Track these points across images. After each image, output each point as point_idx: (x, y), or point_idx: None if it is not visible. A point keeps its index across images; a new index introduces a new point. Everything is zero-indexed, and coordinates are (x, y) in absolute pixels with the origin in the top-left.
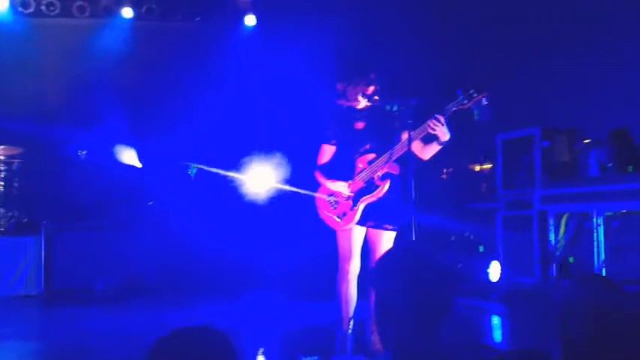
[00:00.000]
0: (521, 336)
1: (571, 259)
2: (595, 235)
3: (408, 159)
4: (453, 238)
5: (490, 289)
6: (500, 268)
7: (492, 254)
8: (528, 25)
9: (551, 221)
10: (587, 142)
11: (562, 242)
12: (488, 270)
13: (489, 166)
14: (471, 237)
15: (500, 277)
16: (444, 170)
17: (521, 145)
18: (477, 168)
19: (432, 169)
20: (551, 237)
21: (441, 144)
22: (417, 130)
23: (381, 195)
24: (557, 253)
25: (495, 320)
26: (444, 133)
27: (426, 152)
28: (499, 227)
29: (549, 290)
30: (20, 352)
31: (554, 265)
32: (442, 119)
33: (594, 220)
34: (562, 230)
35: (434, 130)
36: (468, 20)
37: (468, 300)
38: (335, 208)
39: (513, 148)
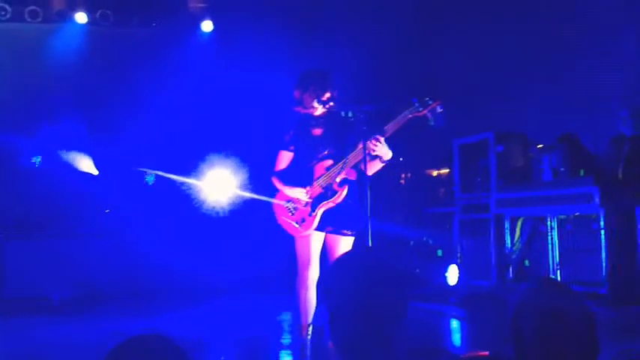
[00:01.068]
0: (479, 339)
1: (527, 262)
2: (549, 237)
3: (364, 165)
4: (411, 242)
5: (448, 292)
6: (458, 271)
7: (450, 258)
8: (484, 32)
9: (507, 225)
10: (540, 147)
11: (518, 245)
12: (447, 274)
13: (447, 170)
14: (430, 241)
15: (458, 281)
16: (402, 175)
17: (477, 149)
18: (435, 173)
19: (390, 174)
20: (507, 240)
21: (383, 162)
22: (354, 153)
23: (339, 200)
24: (514, 256)
25: (454, 324)
26: (385, 152)
27: (370, 168)
28: (456, 231)
29: (506, 293)
30: None
31: (510, 268)
32: (381, 139)
33: (548, 223)
34: (517, 233)
35: (374, 150)
36: (424, 27)
37: (426, 304)
38: (293, 214)
39: (469, 152)
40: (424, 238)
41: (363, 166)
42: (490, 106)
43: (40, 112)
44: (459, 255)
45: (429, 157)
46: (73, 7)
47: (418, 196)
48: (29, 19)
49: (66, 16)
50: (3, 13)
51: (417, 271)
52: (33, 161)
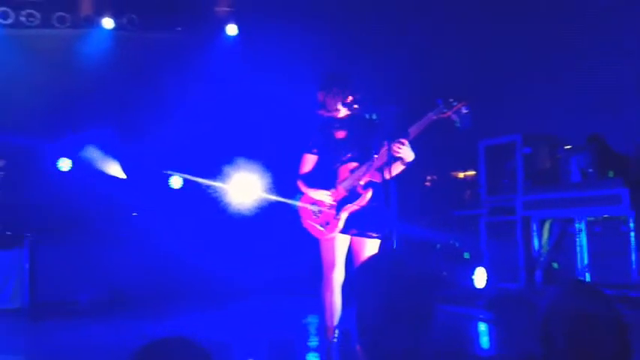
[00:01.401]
0: (507, 342)
1: (555, 265)
2: (578, 240)
3: (389, 168)
4: (438, 245)
5: (476, 295)
6: (485, 274)
7: (477, 261)
8: (510, 34)
9: (535, 227)
10: (567, 149)
11: (546, 247)
12: (474, 276)
13: (473, 173)
14: (456, 244)
15: (485, 284)
16: (428, 178)
17: (503, 151)
18: (461, 175)
19: (415, 176)
20: (535, 242)
21: (404, 164)
22: (380, 155)
23: (364, 203)
24: (542, 259)
25: (481, 327)
26: (407, 155)
27: (391, 171)
28: (483, 233)
29: (534, 296)
30: None
31: (538, 271)
32: (405, 142)
33: (576, 225)
34: (545, 236)
35: (398, 153)
36: (450, 29)
37: (453, 307)
38: (318, 217)
39: (496, 154)
40: (451, 241)
41: (387, 169)
42: (516, 107)
43: (68, 117)
44: (485, 257)
45: (455, 158)
46: (100, 13)
47: (444, 198)
48: (57, 25)
49: (93, 21)
50: (32, 19)
51: (444, 273)
52: (63, 166)
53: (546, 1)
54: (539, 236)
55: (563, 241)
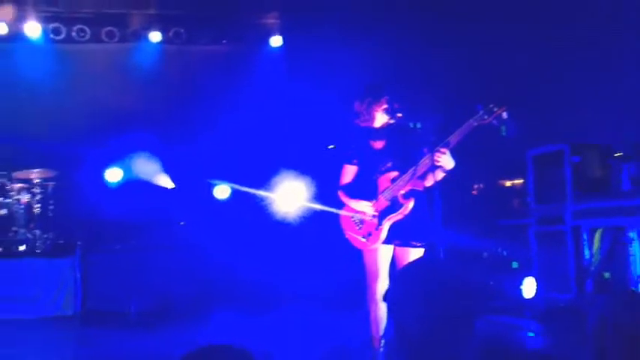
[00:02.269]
0: (557, 353)
1: (606, 275)
2: (630, 249)
3: (434, 175)
4: (485, 254)
5: (524, 306)
6: (534, 284)
7: (526, 270)
8: (556, 40)
9: (585, 236)
10: (618, 156)
11: (597, 257)
12: (522, 286)
13: (520, 181)
14: (504, 253)
15: (534, 294)
16: (475, 186)
17: (551, 159)
18: (508, 184)
19: (462, 185)
20: (586, 252)
21: (445, 172)
22: (422, 164)
23: (406, 212)
24: (592, 269)
25: (530, 338)
26: (447, 163)
27: (430, 179)
28: (532, 243)
29: (585, 306)
30: None
31: (589, 281)
32: (445, 150)
33: (629, 234)
34: (596, 245)
35: (438, 161)
36: (493, 36)
37: (501, 317)
38: (360, 228)
39: (544, 163)
40: (498, 250)
41: (429, 177)
42: (565, 114)
43: (118, 129)
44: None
45: (502, 167)
46: (148, 27)
47: (491, 207)
48: (106, 40)
49: (141, 35)
50: (82, 34)
51: (491, 283)
52: (111, 176)
53: (595, 5)
54: (590, 246)
55: (614, 250)
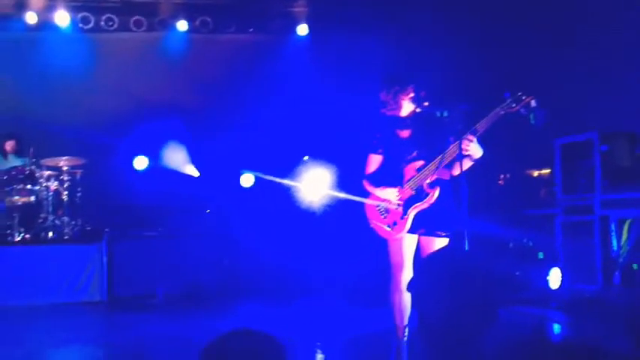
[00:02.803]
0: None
1: (635, 266)
2: None
3: (460, 164)
4: (511, 244)
5: (550, 297)
6: (560, 275)
7: (552, 261)
8: (584, 26)
9: (613, 227)
10: None
11: (625, 248)
12: (548, 277)
13: (548, 171)
14: (530, 243)
15: (560, 285)
16: (501, 176)
17: (579, 149)
18: (535, 173)
19: (489, 174)
20: (614, 243)
21: (473, 160)
22: (449, 152)
23: (431, 202)
24: (620, 260)
25: (556, 328)
26: (475, 151)
27: (457, 168)
28: (558, 233)
29: (612, 298)
30: (83, 356)
31: (617, 272)
32: (473, 138)
33: None
34: (624, 236)
35: (466, 150)
36: (521, 24)
37: (527, 308)
38: (385, 217)
39: (572, 152)
40: (524, 240)
41: (456, 166)
42: (594, 102)
43: (146, 116)
44: (561, 258)
45: (530, 156)
46: (175, 16)
47: (518, 196)
48: (134, 29)
49: (168, 24)
50: (111, 23)
51: (517, 274)
52: (138, 163)
53: None
54: (618, 236)
55: None
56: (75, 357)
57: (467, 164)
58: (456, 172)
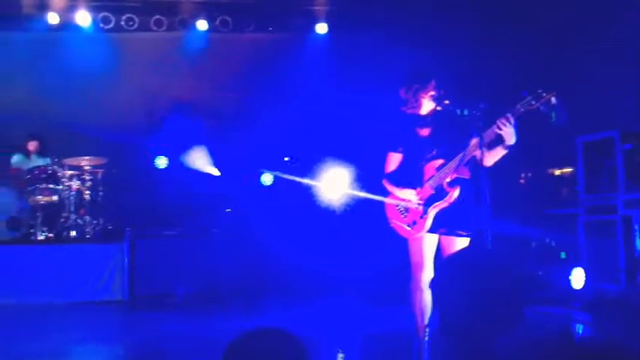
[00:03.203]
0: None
1: None
2: None
3: (480, 163)
4: (533, 244)
5: (573, 296)
6: (583, 275)
7: (575, 261)
8: (606, 24)
9: (636, 226)
10: None
11: None
12: (571, 277)
13: (569, 170)
14: (552, 243)
15: (583, 285)
16: (522, 175)
17: (602, 147)
18: (557, 172)
19: (509, 173)
20: (637, 242)
21: (506, 148)
22: (485, 133)
23: (451, 201)
24: None
25: (579, 329)
26: (510, 135)
27: (490, 158)
28: (581, 233)
29: (636, 297)
30: (105, 354)
31: None
32: (511, 119)
33: None
34: None
35: (501, 129)
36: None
37: (549, 308)
38: (405, 217)
39: (594, 151)
40: (547, 240)
41: (490, 155)
42: (616, 100)
43: (167, 116)
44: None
45: (551, 155)
46: (195, 15)
47: (539, 196)
48: (154, 28)
49: (188, 23)
50: (131, 23)
51: (539, 273)
52: (159, 163)
53: None
54: None
55: None
56: (97, 355)
57: (500, 153)
58: (490, 162)
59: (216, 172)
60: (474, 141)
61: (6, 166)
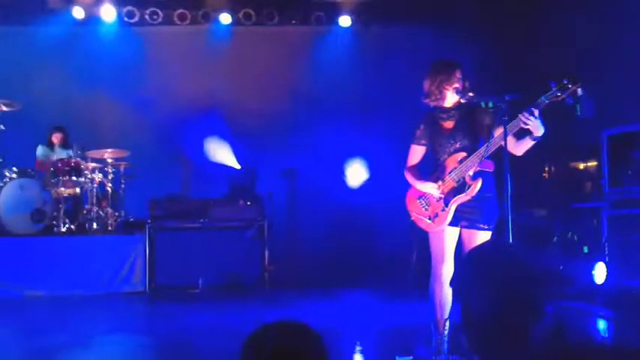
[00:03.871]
0: (628, 340)
1: None
2: None
3: (504, 156)
4: (555, 238)
5: (595, 292)
6: (606, 269)
7: (598, 255)
8: (631, 16)
9: None
10: None
11: None
12: (594, 272)
13: (594, 163)
14: (575, 237)
15: (606, 280)
16: (546, 168)
17: (627, 140)
18: (581, 166)
19: (532, 167)
20: None
21: (534, 139)
22: (510, 125)
23: (473, 194)
24: None
25: (601, 324)
26: (537, 128)
27: (519, 148)
28: (604, 227)
29: None
30: (126, 345)
31: None
32: (536, 112)
33: None
34: None
35: (526, 124)
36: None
37: (571, 303)
38: (426, 210)
39: (619, 144)
40: (569, 234)
41: (519, 146)
42: None
43: (189, 109)
44: (607, 252)
45: (575, 149)
46: (218, 9)
47: (562, 189)
48: (178, 22)
49: (211, 17)
50: (155, 17)
51: (561, 268)
52: (180, 157)
53: None
54: None
55: None
56: (118, 345)
57: (528, 144)
58: (520, 152)
59: (237, 165)
60: (498, 133)
61: (31, 158)
